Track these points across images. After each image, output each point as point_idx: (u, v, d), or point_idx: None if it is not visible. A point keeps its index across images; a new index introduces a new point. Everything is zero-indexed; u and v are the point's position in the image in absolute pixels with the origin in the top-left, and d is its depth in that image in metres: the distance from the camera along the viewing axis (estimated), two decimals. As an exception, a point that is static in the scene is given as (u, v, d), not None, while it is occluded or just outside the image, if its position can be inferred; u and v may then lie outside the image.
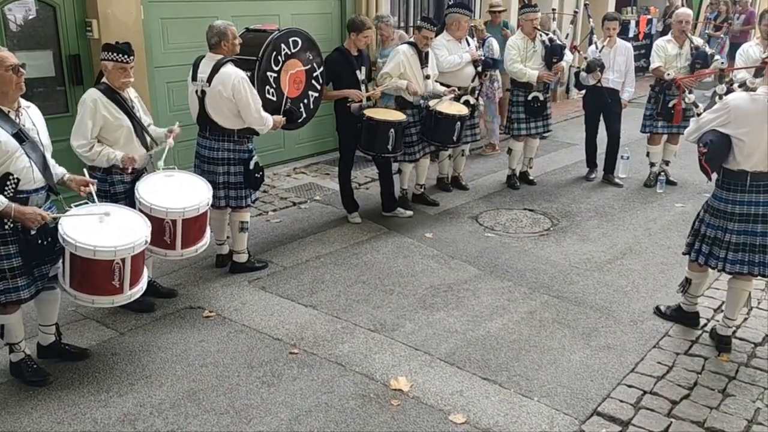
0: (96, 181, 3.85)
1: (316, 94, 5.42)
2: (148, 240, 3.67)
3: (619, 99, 7.12)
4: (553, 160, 8.39)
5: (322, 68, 5.41)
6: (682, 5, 12.37)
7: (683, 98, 4.65)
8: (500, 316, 4.47)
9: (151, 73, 6.20)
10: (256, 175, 4.83)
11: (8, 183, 3.30)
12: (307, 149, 7.94)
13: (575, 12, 9.41)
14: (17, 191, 3.34)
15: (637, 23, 14.13)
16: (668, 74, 5.23)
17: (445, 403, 3.54)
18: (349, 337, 4.17)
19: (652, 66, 6.79)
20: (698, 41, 6.85)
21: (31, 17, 5.49)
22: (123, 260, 3.51)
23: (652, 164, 7.32)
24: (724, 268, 3.91)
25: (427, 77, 6.12)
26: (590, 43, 7.27)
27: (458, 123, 6.08)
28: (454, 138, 6.15)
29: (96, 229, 3.50)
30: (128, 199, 4.12)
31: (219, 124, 4.66)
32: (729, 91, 3.81)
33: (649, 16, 14.55)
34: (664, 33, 7.62)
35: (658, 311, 4.48)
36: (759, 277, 3.93)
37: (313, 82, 5.35)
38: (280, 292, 4.77)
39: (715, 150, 3.74)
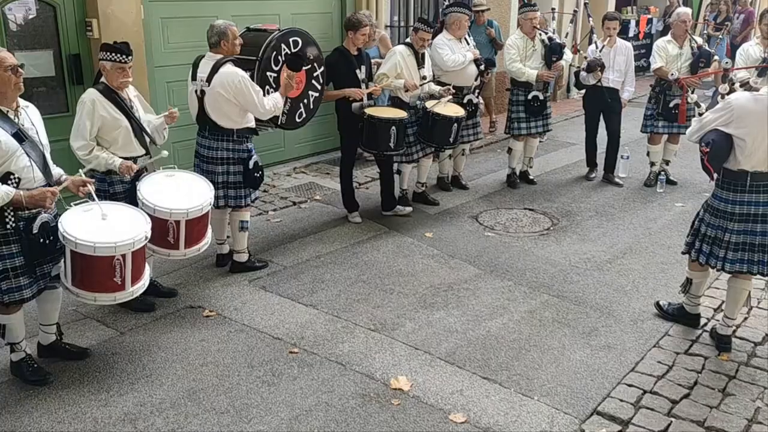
0: (94, 180, 3.84)
1: (317, 94, 5.42)
2: (149, 235, 3.67)
3: (619, 98, 7.12)
4: (554, 159, 8.40)
5: (322, 68, 5.41)
6: (679, 5, 12.37)
7: (686, 98, 4.67)
8: (500, 315, 4.47)
9: (151, 72, 6.20)
10: (256, 174, 4.83)
11: (9, 182, 3.30)
12: (307, 149, 7.94)
13: (574, 11, 9.42)
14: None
15: (638, 23, 14.13)
16: (672, 74, 5.22)
17: (446, 403, 3.54)
18: (349, 337, 4.18)
19: (654, 66, 6.78)
20: (698, 40, 6.85)
21: (31, 17, 5.49)
22: (123, 256, 3.52)
23: (652, 164, 7.32)
24: (723, 268, 3.92)
25: (424, 78, 6.12)
26: (590, 43, 7.27)
27: (455, 124, 6.07)
28: (451, 139, 6.14)
29: (96, 226, 3.51)
30: (127, 199, 4.12)
31: (218, 123, 4.67)
32: (731, 91, 3.81)
33: (649, 16, 14.55)
34: (664, 33, 7.63)
35: (658, 307, 4.47)
36: (759, 276, 3.93)
37: (313, 82, 5.35)
38: (280, 291, 4.77)
39: (718, 149, 3.73)
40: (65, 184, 3.66)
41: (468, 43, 6.65)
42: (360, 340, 4.14)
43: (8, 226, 3.33)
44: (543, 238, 5.85)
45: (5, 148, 3.27)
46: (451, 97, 6.25)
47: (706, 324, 4.33)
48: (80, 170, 3.81)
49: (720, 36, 12.35)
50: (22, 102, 3.49)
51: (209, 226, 4.42)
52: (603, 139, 7.37)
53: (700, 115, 3.94)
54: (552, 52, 6.75)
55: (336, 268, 5.16)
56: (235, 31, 4.64)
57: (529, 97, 6.85)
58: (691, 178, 7.45)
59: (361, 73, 5.81)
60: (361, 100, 5.76)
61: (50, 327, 3.83)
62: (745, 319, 4.37)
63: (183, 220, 4.09)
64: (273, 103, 4.74)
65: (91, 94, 4.01)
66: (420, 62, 6.09)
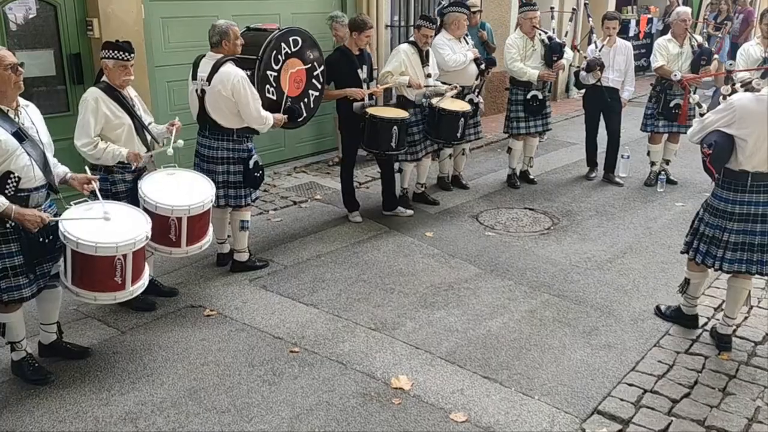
0: (98, 178, 3.85)
1: (317, 93, 5.42)
2: (149, 236, 3.68)
3: (618, 98, 7.12)
4: (554, 159, 8.40)
5: (322, 67, 5.41)
6: (678, 4, 12.37)
7: (688, 99, 4.67)
8: (501, 314, 4.48)
9: (151, 72, 6.20)
10: (256, 174, 4.83)
11: (9, 181, 3.30)
12: (308, 148, 7.94)
13: (573, 9, 9.40)
14: (18, 189, 3.35)
15: (638, 22, 14.14)
16: (675, 75, 5.22)
17: (446, 402, 3.54)
18: (350, 336, 4.18)
19: (656, 65, 6.77)
20: (698, 38, 6.86)
21: (31, 16, 5.49)
22: (124, 256, 3.53)
23: (652, 163, 7.32)
24: (721, 267, 3.91)
25: (428, 76, 6.12)
26: (590, 43, 7.28)
27: (461, 119, 6.08)
28: (458, 135, 6.14)
29: (97, 226, 3.51)
30: (130, 198, 4.13)
31: (218, 123, 4.67)
32: (733, 91, 3.81)
33: (649, 16, 14.55)
34: (664, 32, 7.63)
35: (658, 311, 4.47)
36: (758, 276, 3.93)
37: (314, 81, 5.35)
38: (280, 290, 4.77)
39: (720, 151, 3.72)
40: (69, 178, 3.68)
41: (467, 43, 6.66)
42: (361, 340, 4.14)
43: (8, 225, 3.33)
44: (543, 238, 5.85)
45: (5, 147, 3.27)
46: (455, 92, 6.25)
47: (706, 323, 4.34)
48: (86, 167, 3.81)
49: (719, 35, 12.36)
50: (22, 101, 3.49)
51: (210, 225, 4.43)
52: (603, 138, 7.38)
53: (701, 115, 3.93)
54: (552, 51, 6.75)
55: (336, 268, 5.16)
56: (236, 30, 4.64)
57: (528, 96, 6.86)
58: (691, 178, 7.45)
59: (363, 73, 5.82)
60: (363, 99, 5.77)
61: (51, 326, 3.83)
62: (746, 318, 4.37)
63: (184, 217, 4.10)
64: (266, 115, 4.73)
65: (93, 93, 4.01)
66: (424, 60, 6.09)
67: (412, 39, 6.21)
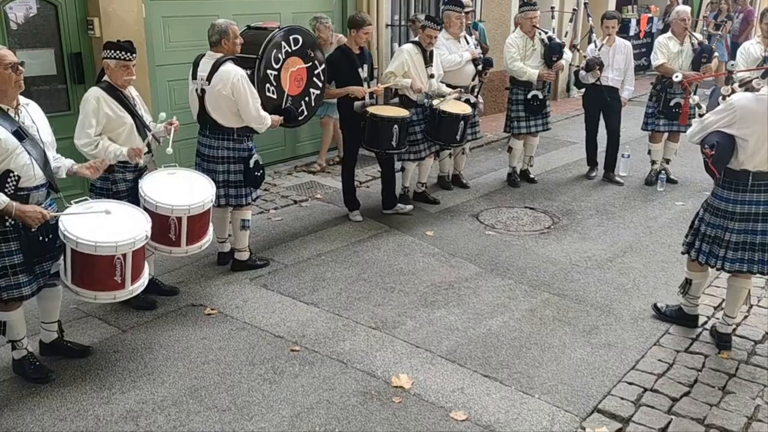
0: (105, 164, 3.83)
1: (318, 92, 5.43)
2: (149, 235, 3.69)
3: (618, 97, 7.13)
4: (554, 158, 8.40)
5: (323, 66, 5.42)
6: (678, 3, 12.37)
7: (689, 99, 4.65)
8: (501, 313, 4.48)
9: (152, 71, 6.21)
10: (256, 173, 4.84)
11: (9, 180, 3.30)
12: (308, 147, 7.94)
13: (574, 10, 9.40)
14: (18, 188, 3.35)
15: (638, 22, 14.13)
16: (677, 76, 5.21)
17: (446, 401, 3.55)
18: (351, 335, 4.18)
19: (656, 63, 6.78)
20: (699, 37, 6.86)
21: (32, 15, 5.49)
22: (124, 255, 3.53)
23: (652, 162, 7.32)
24: (723, 267, 3.91)
25: (432, 76, 6.12)
26: (590, 42, 7.28)
27: (461, 122, 6.08)
28: (458, 137, 6.15)
29: (97, 225, 3.52)
30: (130, 197, 4.13)
31: (218, 122, 4.67)
32: (733, 91, 3.80)
33: (649, 15, 14.55)
34: (664, 32, 7.62)
35: (656, 310, 4.47)
36: (758, 275, 3.94)
37: (314, 79, 5.35)
38: (281, 289, 4.78)
39: (722, 152, 3.71)
40: (77, 168, 3.68)
41: (468, 42, 6.66)
42: (361, 338, 4.14)
43: (7, 224, 3.33)
44: (543, 237, 5.86)
45: (5, 146, 3.27)
46: (456, 94, 6.26)
47: (706, 322, 4.34)
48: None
49: (719, 34, 12.35)
50: (22, 100, 3.49)
51: (210, 224, 4.43)
52: (603, 137, 7.38)
53: (701, 116, 3.92)
54: (552, 51, 6.75)
55: (337, 267, 5.17)
56: (236, 30, 4.64)
57: (529, 96, 6.86)
58: (691, 177, 7.46)
59: (364, 72, 5.82)
60: (363, 98, 5.77)
61: (51, 325, 3.83)
62: (746, 317, 4.37)
63: (184, 216, 4.10)
64: (265, 116, 4.73)
65: (95, 92, 4.02)
66: (428, 60, 6.09)
67: (416, 39, 6.20)
